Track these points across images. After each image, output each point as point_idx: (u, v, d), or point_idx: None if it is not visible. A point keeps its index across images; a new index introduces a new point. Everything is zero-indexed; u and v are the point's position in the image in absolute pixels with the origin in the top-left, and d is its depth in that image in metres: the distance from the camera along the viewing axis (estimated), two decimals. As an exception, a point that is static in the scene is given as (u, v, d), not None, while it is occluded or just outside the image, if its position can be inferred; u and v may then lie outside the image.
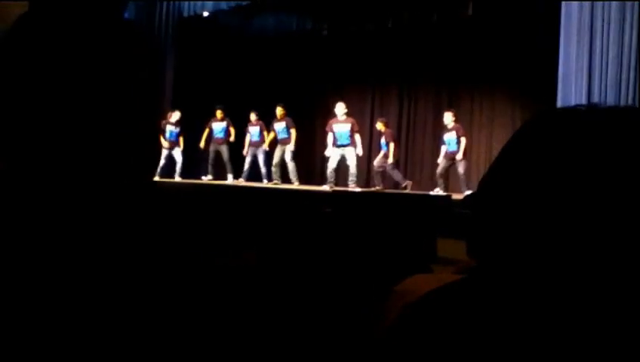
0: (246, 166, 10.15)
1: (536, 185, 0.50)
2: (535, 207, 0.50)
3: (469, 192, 8.35)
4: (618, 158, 0.48)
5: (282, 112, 9.69)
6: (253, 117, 10.16)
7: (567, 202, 0.48)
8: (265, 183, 9.88)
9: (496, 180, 0.54)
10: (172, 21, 11.33)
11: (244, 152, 10.11)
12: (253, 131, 10.13)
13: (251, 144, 10.10)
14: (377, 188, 9.50)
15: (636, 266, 0.46)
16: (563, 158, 0.50)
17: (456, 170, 8.92)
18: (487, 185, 0.55)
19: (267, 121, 10.09)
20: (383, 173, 9.66)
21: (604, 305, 0.47)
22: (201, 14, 11.49)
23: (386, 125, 9.68)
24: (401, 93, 11.53)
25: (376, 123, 9.89)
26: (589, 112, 0.53)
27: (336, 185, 9.27)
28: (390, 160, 9.41)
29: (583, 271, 0.47)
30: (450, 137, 8.84)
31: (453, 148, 8.79)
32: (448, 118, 8.88)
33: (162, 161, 9.90)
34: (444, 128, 9.10)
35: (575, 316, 0.48)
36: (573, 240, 0.48)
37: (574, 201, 0.48)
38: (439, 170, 9.04)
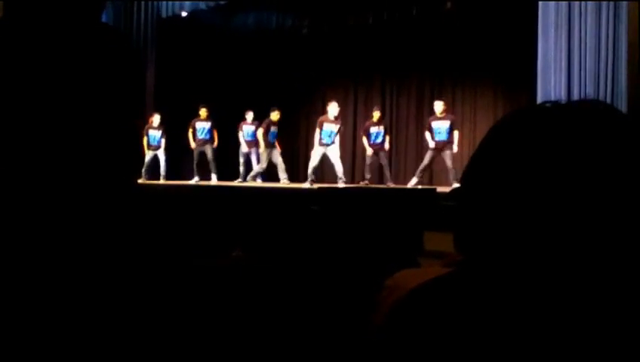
0: (241, 168, 10.15)
1: (515, 179, 0.51)
2: (514, 200, 0.51)
3: (456, 185, 8.36)
4: (589, 150, 0.49)
5: (278, 117, 9.68)
6: (249, 116, 10.09)
7: (541, 194, 0.49)
8: (259, 182, 9.89)
9: (476, 174, 0.55)
10: (151, 22, 11.24)
11: (243, 150, 10.12)
12: (247, 130, 10.11)
13: (245, 144, 10.12)
14: (366, 181, 9.48)
15: (615, 254, 0.47)
16: (538, 153, 0.51)
17: (442, 161, 8.72)
18: (469, 179, 0.56)
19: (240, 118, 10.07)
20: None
21: (595, 299, 0.48)
22: (180, 14, 11.42)
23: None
24: (383, 89, 11.55)
25: (373, 112, 9.60)
26: (563, 108, 0.54)
27: (318, 181, 9.27)
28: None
29: (569, 263, 0.48)
30: (440, 125, 8.58)
31: (443, 137, 8.57)
32: (440, 107, 8.66)
33: (146, 163, 9.84)
34: (432, 116, 8.81)
35: (564, 309, 0.49)
36: (556, 231, 0.49)
37: (549, 193, 0.49)
38: (425, 164, 8.84)
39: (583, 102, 0.55)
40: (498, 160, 0.54)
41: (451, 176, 8.59)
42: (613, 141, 0.50)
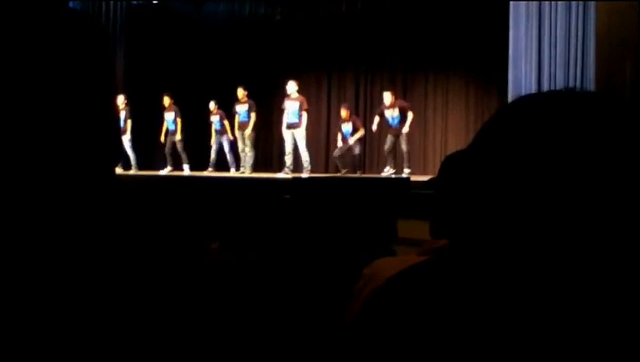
0: (212, 155, 10.02)
1: (511, 169, 0.52)
2: (508, 191, 0.51)
3: (407, 170, 8.83)
4: (585, 144, 0.50)
5: (244, 94, 9.50)
6: (212, 106, 9.91)
7: (539, 187, 0.50)
8: (232, 172, 9.77)
9: (473, 163, 0.55)
10: (120, 9, 11.02)
11: (211, 142, 9.98)
12: (214, 120, 9.96)
13: (215, 132, 9.98)
14: (344, 171, 9.58)
15: (597, 244, 0.48)
16: (538, 144, 0.51)
17: (399, 146, 9.14)
18: (462, 167, 0.56)
19: (226, 108, 9.91)
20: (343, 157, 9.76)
21: (577, 288, 0.49)
22: (151, 1, 11.22)
23: (349, 111, 9.74)
24: (357, 77, 11.56)
25: (340, 110, 9.80)
26: (562, 99, 0.54)
27: (292, 171, 9.25)
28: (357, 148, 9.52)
29: (555, 254, 0.49)
30: (392, 114, 9.06)
31: (396, 124, 9.04)
32: (388, 98, 9.11)
33: None
34: (382, 105, 9.23)
35: (547, 297, 0.49)
36: (545, 222, 0.49)
37: (546, 185, 0.50)
38: (387, 146, 9.21)
39: (569, 93, 0.54)
40: (496, 151, 0.54)
41: (405, 159, 9.00)
42: (604, 133, 0.50)
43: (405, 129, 8.96)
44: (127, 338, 0.64)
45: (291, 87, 9.12)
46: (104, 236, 0.69)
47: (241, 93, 9.50)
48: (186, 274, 0.71)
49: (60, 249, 0.65)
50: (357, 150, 9.57)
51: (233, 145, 9.82)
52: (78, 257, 0.65)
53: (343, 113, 9.62)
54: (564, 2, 7.71)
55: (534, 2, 7.91)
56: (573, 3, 7.66)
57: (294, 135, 9.06)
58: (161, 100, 9.97)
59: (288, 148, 9.17)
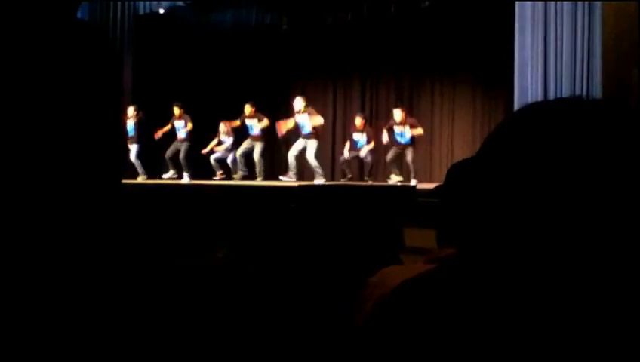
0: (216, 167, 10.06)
1: (520, 177, 0.52)
2: (517, 198, 0.51)
3: (414, 181, 8.84)
4: (592, 152, 0.50)
5: (251, 110, 9.59)
6: (222, 127, 9.96)
7: (546, 195, 0.50)
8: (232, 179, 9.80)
9: (480, 171, 0.55)
10: (128, 19, 11.10)
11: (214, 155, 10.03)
12: (225, 140, 10.04)
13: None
14: (349, 176, 9.60)
15: (607, 253, 0.48)
16: (546, 152, 0.51)
17: (404, 157, 9.22)
18: (469, 175, 0.56)
19: (232, 116, 9.95)
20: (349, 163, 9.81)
21: (586, 295, 0.49)
22: (158, 11, 11.30)
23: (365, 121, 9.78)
24: (363, 86, 11.57)
25: (355, 118, 9.84)
26: (570, 107, 0.54)
27: (299, 179, 9.27)
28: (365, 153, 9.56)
29: (564, 259, 0.49)
30: (402, 130, 9.15)
31: (406, 140, 9.11)
32: (399, 115, 9.19)
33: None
34: (392, 122, 9.32)
35: (557, 306, 0.49)
36: (553, 231, 0.49)
37: (553, 194, 0.50)
38: (390, 157, 9.30)
39: (576, 101, 0.54)
40: (504, 158, 0.53)
41: (411, 169, 9.09)
42: (611, 141, 0.50)
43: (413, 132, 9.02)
44: (130, 339, 0.64)
45: (298, 103, 9.17)
46: (109, 241, 0.69)
47: (248, 109, 9.58)
48: (191, 278, 0.72)
49: (65, 254, 0.65)
50: (370, 158, 9.61)
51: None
52: (82, 262, 0.65)
53: (358, 122, 9.62)
54: (569, 9, 7.71)
55: (540, 9, 7.91)
56: (579, 9, 7.66)
57: (307, 144, 9.12)
58: (171, 109, 10.02)
59: (294, 152, 9.23)
